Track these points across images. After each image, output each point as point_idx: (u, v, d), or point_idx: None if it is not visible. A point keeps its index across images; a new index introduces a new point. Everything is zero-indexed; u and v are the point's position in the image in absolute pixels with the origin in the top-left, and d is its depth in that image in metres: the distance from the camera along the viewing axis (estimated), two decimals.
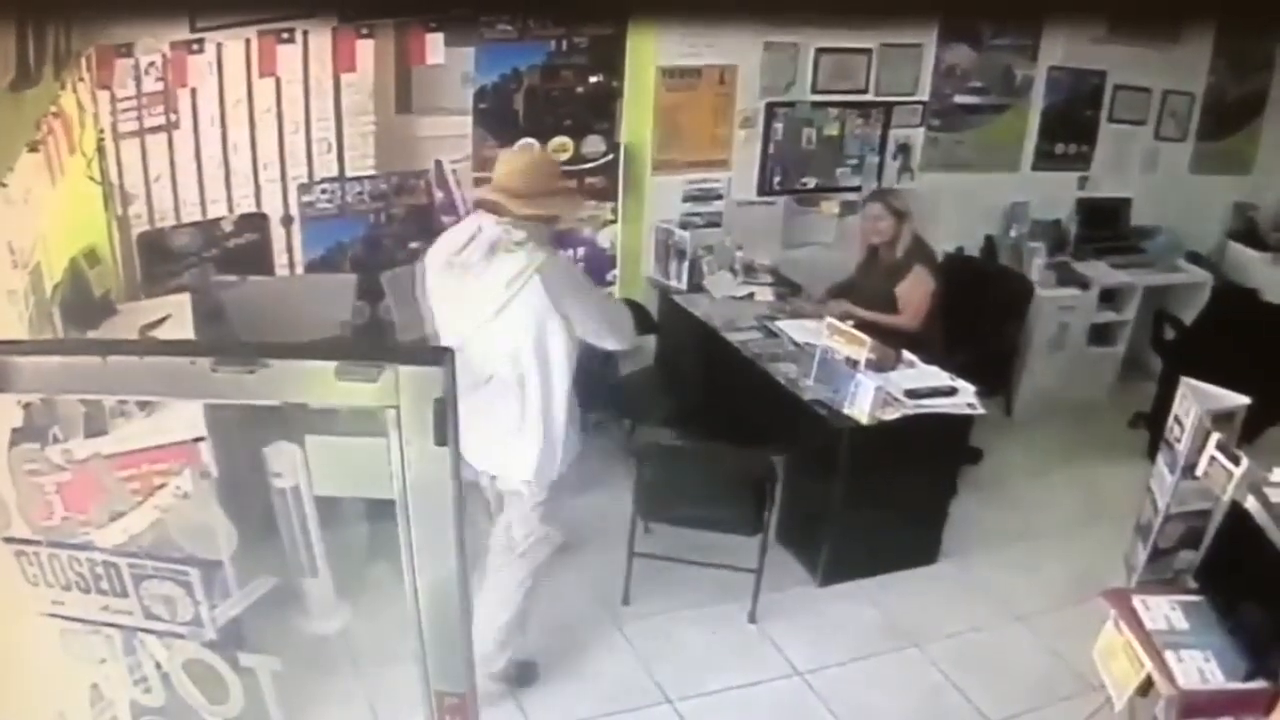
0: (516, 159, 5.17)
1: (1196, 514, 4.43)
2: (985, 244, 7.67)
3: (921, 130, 7.51)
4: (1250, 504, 4.03)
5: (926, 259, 6.65)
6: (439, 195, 6.49)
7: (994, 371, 6.90)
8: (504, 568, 4.93)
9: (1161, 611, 4.19)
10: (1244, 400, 4.40)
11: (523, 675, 5.16)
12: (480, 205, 4.70)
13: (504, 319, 4.46)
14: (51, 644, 2.69)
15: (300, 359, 2.11)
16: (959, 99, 7.57)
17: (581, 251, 6.94)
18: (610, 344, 4.84)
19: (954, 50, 7.40)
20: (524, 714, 4.97)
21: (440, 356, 2.09)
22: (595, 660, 5.36)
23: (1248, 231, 8.54)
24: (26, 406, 3.76)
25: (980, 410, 5.81)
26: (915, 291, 6.55)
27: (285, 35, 5.79)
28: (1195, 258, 8.30)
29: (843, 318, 6.10)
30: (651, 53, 6.67)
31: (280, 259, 6.22)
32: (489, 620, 4.90)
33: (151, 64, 5.57)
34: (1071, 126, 7.95)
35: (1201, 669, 3.94)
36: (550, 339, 4.51)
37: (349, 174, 6.19)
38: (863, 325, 5.95)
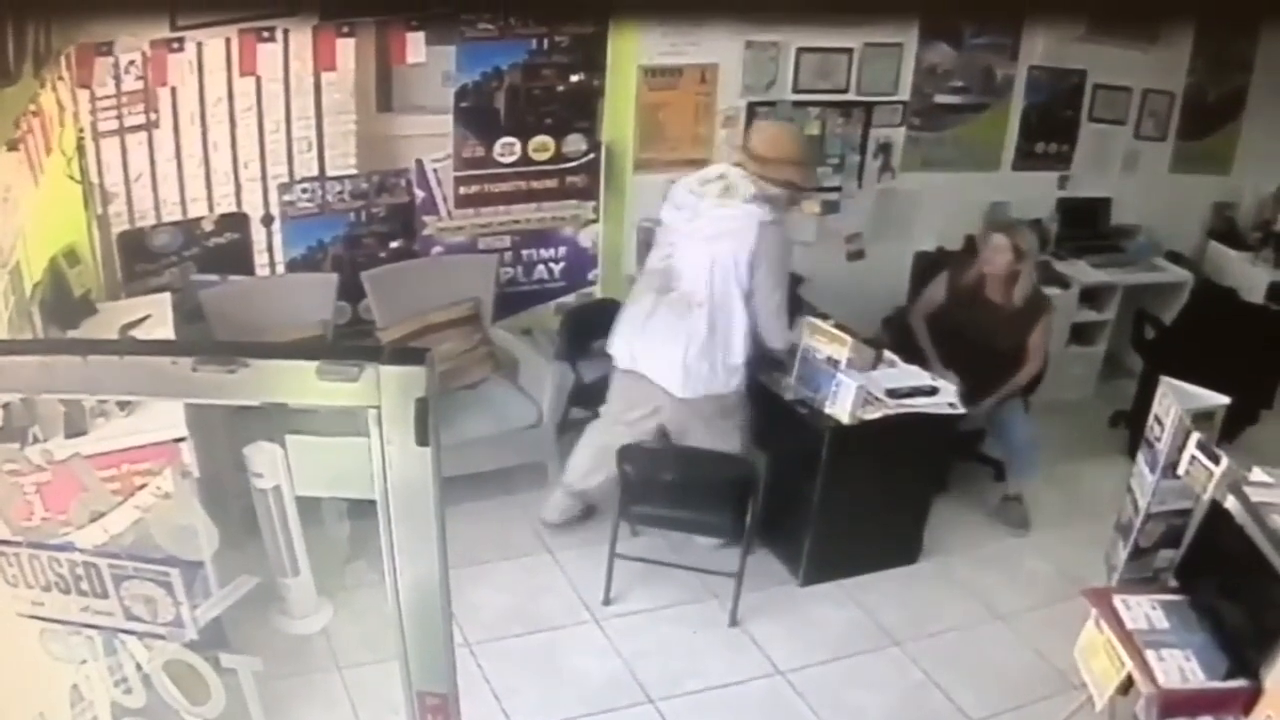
0: (765, 129, 6.18)
1: (1177, 513, 4.46)
2: (966, 243, 7.67)
3: (902, 129, 7.51)
4: (1230, 503, 4.06)
5: (1047, 306, 6.57)
6: (420, 194, 6.47)
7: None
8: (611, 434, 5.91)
9: (1142, 610, 4.22)
10: (1224, 400, 4.43)
11: (588, 511, 6.25)
12: (739, 160, 5.75)
13: (712, 247, 5.55)
14: (31, 645, 2.68)
15: (281, 358, 2.11)
16: (939, 98, 7.56)
17: (563, 250, 6.93)
18: (762, 327, 5.72)
19: (934, 49, 7.40)
20: (506, 716, 4.96)
21: (421, 356, 2.08)
22: (577, 660, 5.36)
23: (1227, 231, 8.57)
24: (5, 406, 3.76)
25: (961, 410, 5.82)
26: (1042, 339, 6.50)
27: (266, 34, 5.77)
28: (1175, 257, 8.31)
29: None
30: (633, 52, 6.66)
31: (261, 258, 6.21)
32: (601, 467, 5.90)
33: (131, 62, 5.56)
34: (1052, 126, 7.95)
35: (1182, 668, 3.97)
36: (737, 280, 5.56)
37: (330, 173, 6.17)
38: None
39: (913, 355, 6.25)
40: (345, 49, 5.93)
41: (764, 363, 5.91)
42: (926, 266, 7.22)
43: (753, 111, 7.03)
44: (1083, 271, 7.89)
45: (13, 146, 4.30)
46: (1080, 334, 7.96)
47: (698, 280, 5.59)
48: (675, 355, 5.61)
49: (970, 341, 6.34)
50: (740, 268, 5.55)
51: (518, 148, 6.57)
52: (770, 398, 5.91)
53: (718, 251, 5.54)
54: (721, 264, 5.55)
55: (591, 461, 6.00)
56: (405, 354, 2.08)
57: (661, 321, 5.66)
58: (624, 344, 5.80)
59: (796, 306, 6.15)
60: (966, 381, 5.99)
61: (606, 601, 5.71)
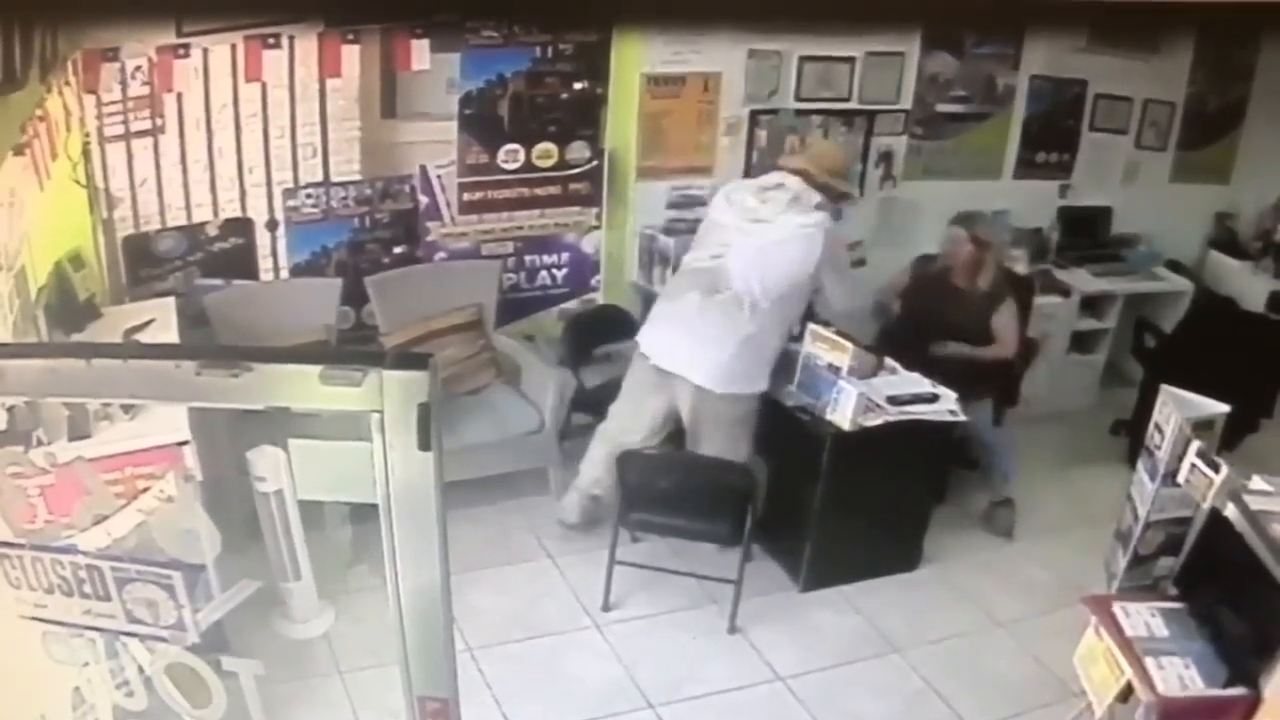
0: (821, 144, 6.75)
1: (1177, 521, 4.46)
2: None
3: (904, 138, 7.51)
4: (1230, 511, 4.05)
5: (1014, 286, 6.64)
6: (424, 200, 6.49)
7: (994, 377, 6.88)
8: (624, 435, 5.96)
9: (1142, 618, 4.21)
10: (1224, 408, 4.43)
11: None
12: (786, 168, 5.89)
13: (779, 250, 5.65)
14: (34, 647, 2.69)
15: (284, 363, 2.12)
16: (941, 107, 7.57)
17: (566, 257, 6.95)
18: (838, 305, 6.02)
19: (936, 59, 7.41)
20: (506, 719, 4.98)
21: (424, 361, 2.10)
22: (578, 666, 5.36)
23: (1228, 241, 8.57)
24: (10, 409, 3.77)
25: (962, 417, 5.83)
26: (1009, 322, 6.50)
27: (271, 40, 5.79)
28: (1175, 266, 8.32)
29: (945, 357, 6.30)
30: (636, 60, 6.67)
31: (265, 263, 6.22)
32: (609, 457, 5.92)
33: (137, 68, 5.57)
34: (1053, 135, 7.96)
35: (1181, 675, 3.97)
36: (790, 281, 5.68)
37: (334, 179, 6.19)
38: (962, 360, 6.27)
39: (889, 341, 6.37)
40: (350, 56, 5.94)
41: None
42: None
43: (755, 120, 7.04)
44: (1083, 280, 7.89)
45: (19, 151, 4.32)
46: (1081, 342, 7.96)
47: (752, 281, 5.63)
48: (721, 355, 5.64)
49: (938, 329, 6.45)
50: (805, 273, 5.69)
51: (521, 154, 6.58)
52: (771, 404, 5.91)
53: (782, 256, 5.65)
54: (783, 269, 5.65)
55: (606, 463, 5.99)
56: (408, 359, 2.10)
57: (710, 320, 5.66)
58: (664, 340, 5.81)
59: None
60: (940, 372, 6.03)
61: (607, 607, 5.71)
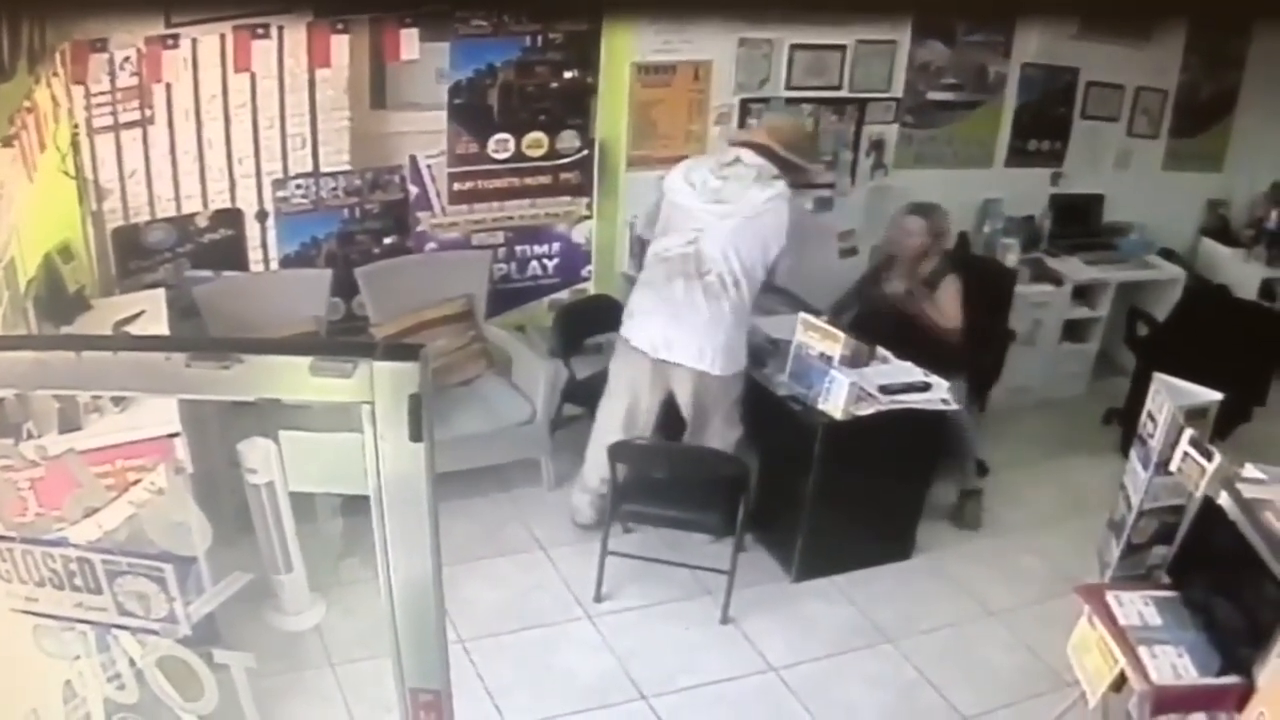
0: (776, 118, 6.63)
1: (1169, 510, 4.45)
2: (959, 240, 7.67)
3: (895, 126, 7.51)
4: (1223, 500, 4.05)
5: (953, 266, 6.62)
6: (414, 190, 6.47)
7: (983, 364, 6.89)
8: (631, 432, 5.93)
9: (1135, 607, 4.21)
10: (1216, 396, 4.42)
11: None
12: (743, 143, 5.92)
13: (751, 226, 5.63)
14: (24, 641, 2.69)
15: (275, 354, 2.11)
16: (933, 95, 7.58)
17: (556, 247, 6.94)
18: (783, 274, 5.89)
19: (928, 47, 7.41)
20: (499, 713, 4.97)
21: (415, 352, 2.09)
22: (570, 657, 5.36)
23: (1220, 228, 8.59)
24: (0, 402, 3.76)
25: (954, 406, 5.83)
26: (950, 301, 6.50)
27: (260, 30, 5.77)
28: (1168, 254, 8.33)
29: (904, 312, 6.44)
30: (626, 49, 6.66)
31: (255, 254, 6.21)
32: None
33: (126, 59, 5.56)
34: (1044, 123, 7.96)
35: (1175, 664, 3.96)
36: (763, 254, 5.68)
37: (324, 169, 6.17)
38: (914, 327, 6.36)
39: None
40: (339, 46, 5.92)
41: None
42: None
43: (746, 108, 7.03)
44: (1075, 269, 7.89)
45: (7, 143, 4.31)
46: (1073, 331, 7.97)
47: (731, 261, 5.63)
48: (718, 338, 5.67)
49: (887, 317, 6.51)
50: (778, 244, 5.68)
51: (511, 144, 6.57)
52: (763, 394, 5.91)
53: (755, 233, 5.64)
54: (758, 245, 5.65)
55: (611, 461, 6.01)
56: (399, 350, 2.09)
57: (699, 305, 5.66)
58: (657, 331, 5.75)
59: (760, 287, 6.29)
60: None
61: (599, 598, 5.71)
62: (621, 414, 5.93)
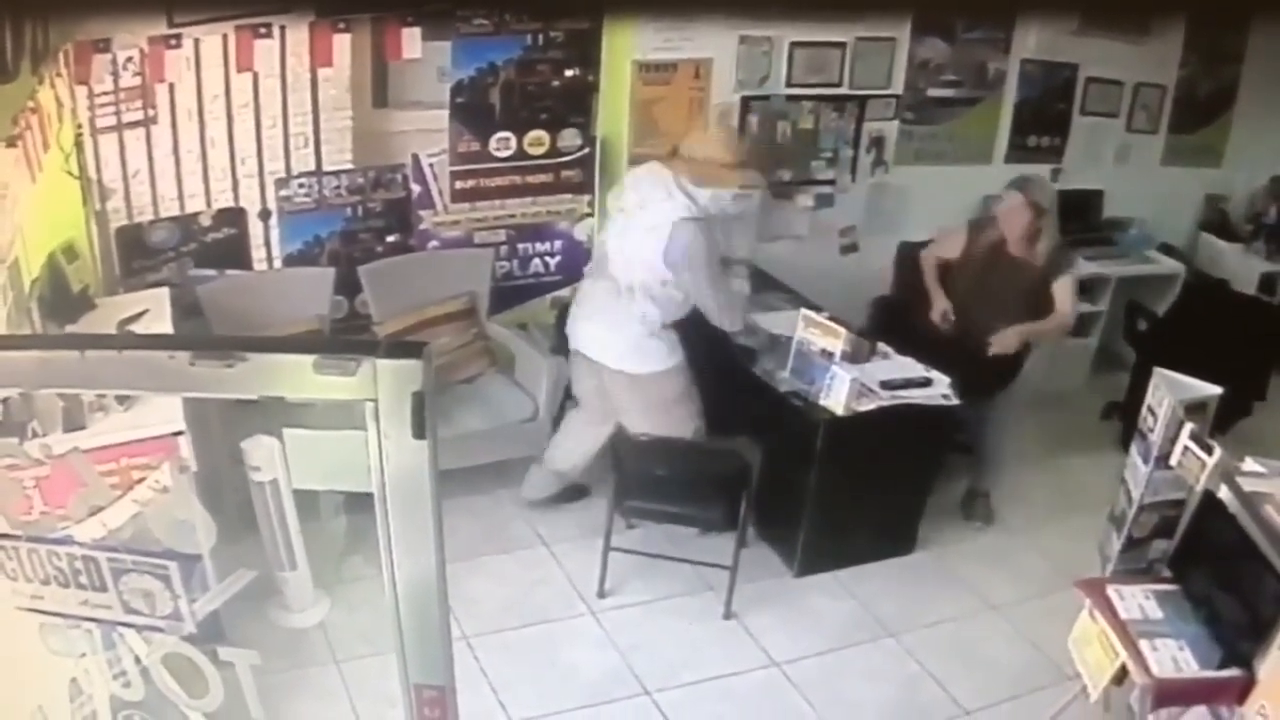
0: (697, 133, 6.06)
1: (1170, 504, 4.46)
2: (984, 207, 7.66)
3: (895, 123, 7.51)
4: (1223, 493, 4.07)
5: (1071, 261, 6.33)
6: (416, 189, 6.48)
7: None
8: (593, 424, 6.08)
9: (1136, 601, 4.23)
10: (1216, 390, 4.43)
11: (578, 491, 6.40)
12: (657, 156, 5.85)
13: (636, 243, 5.58)
14: (30, 639, 2.70)
15: (278, 353, 2.12)
16: (932, 92, 7.57)
17: (558, 244, 6.94)
18: (712, 320, 5.78)
19: (927, 44, 7.41)
20: (503, 709, 4.99)
21: (418, 350, 2.10)
22: (573, 653, 5.38)
23: (1219, 223, 8.60)
24: (4, 401, 3.78)
25: (955, 401, 5.84)
26: (1069, 290, 6.22)
27: (262, 30, 5.77)
28: (1167, 249, 8.34)
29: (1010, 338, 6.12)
30: (627, 47, 6.67)
31: (258, 253, 6.21)
32: (577, 449, 6.20)
33: (129, 59, 5.56)
34: (1044, 119, 7.96)
35: (1176, 658, 3.98)
36: (660, 270, 5.55)
37: (326, 168, 6.18)
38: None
39: (898, 334, 6.28)
40: (341, 45, 5.93)
41: (742, 351, 6.05)
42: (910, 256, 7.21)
43: (747, 106, 7.05)
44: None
45: (11, 143, 4.31)
46: (1073, 325, 7.96)
47: (632, 269, 5.65)
48: (622, 338, 5.72)
49: (993, 300, 6.19)
50: (660, 269, 5.57)
51: (513, 142, 6.57)
52: (764, 390, 5.92)
53: (638, 250, 5.61)
54: (642, 261, 5.60)
55: (571, 443, 6.19)
56: (402, 348, 2.10)
57: (606, 305, 5.76)
58: (581, 327, 5.90)
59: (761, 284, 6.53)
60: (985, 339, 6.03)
61: (602, 594, 5.73)
62: (583, 409, 6.16)
